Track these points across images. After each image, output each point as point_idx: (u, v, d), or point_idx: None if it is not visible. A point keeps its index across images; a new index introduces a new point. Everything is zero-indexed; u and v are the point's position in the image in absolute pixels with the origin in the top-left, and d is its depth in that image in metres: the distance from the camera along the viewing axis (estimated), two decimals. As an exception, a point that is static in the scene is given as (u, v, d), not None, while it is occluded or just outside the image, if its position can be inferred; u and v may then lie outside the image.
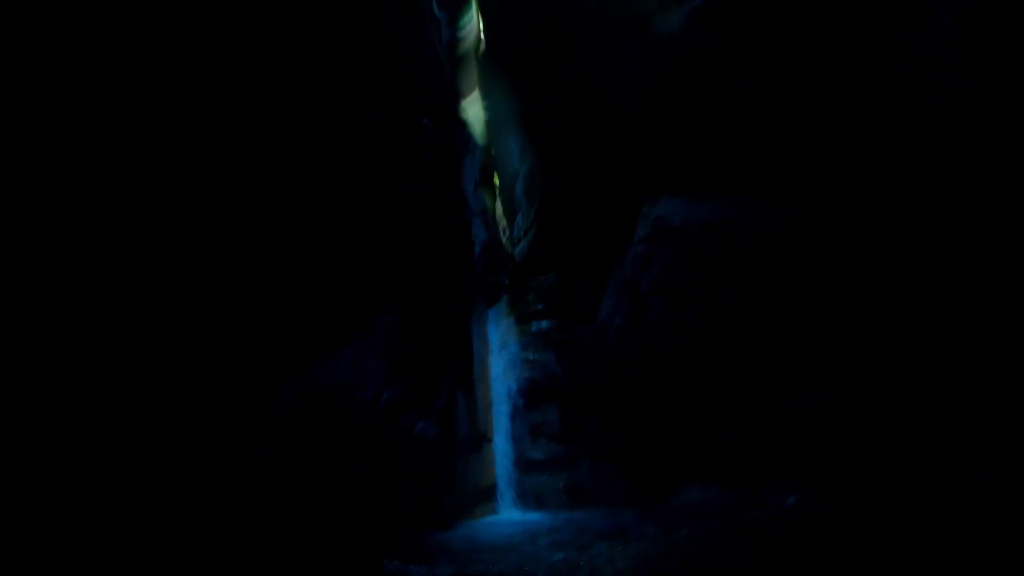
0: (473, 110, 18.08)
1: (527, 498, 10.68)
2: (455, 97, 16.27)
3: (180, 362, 5.49)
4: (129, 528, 4.79)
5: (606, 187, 12.88)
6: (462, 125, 15.67)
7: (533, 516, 9.99)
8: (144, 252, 5.15)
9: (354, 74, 7.39)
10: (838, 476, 7.31)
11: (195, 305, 5.76)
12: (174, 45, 4.99)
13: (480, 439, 11.68)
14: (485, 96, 17.42)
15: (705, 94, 10.52)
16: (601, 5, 12.29)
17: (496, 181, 16.83)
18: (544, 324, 13.22)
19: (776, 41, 9.66)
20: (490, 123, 17.40)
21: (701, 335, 9.83)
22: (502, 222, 16.47)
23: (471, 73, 18.53)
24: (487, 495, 10.83)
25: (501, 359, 13.15)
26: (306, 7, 6.71)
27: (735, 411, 9.05)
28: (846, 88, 8.74)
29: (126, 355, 4.91)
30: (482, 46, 17.03)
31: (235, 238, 5.99)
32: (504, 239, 16.05)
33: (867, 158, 8.32)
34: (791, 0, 9.36)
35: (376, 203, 8.69)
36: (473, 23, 17.41)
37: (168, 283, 5.41)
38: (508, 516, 10.42)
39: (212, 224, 5.65)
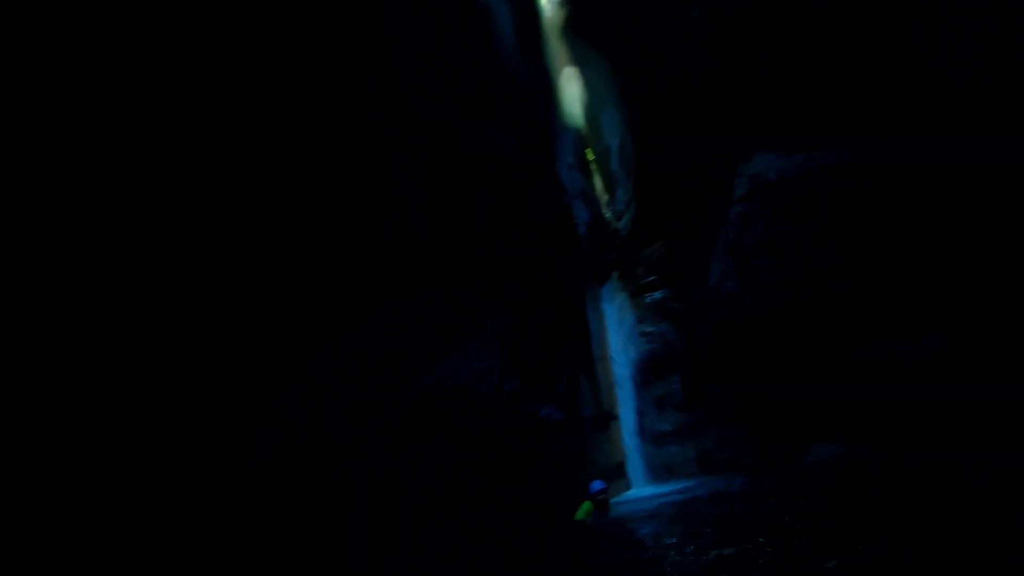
0: (567, 87, 18.08)
1: (658, 470, 10.83)
2: (544, 81, 16.31)
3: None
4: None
5: (700, 147, 12.57)
6: (548, 110, 15.82)
7: (665, 488, 10.08)
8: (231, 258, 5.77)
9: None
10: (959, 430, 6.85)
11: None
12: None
13: (606, 417, 12.02)
14: (578, 70, 17.34)
15: (776, 39, 9.99)
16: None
17: (590, 157, 16.82)
18: (657, 295, 13.20)
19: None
20: (584, 99, 17.39)
21: (810, 290, 9.50)
22: (603, 198, 16.46)
23: (561, 49, 18.42)
24: (618, 471, 11.11)
25: (619, 335, 13.34)
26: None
27: (854, 362, 8.69)
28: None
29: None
30: (563, 20, 16.91)
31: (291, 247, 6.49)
32: (608, 215, 16.06)
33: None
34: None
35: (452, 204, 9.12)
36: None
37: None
38: (641, 491, 10.58)
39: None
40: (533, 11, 16.80)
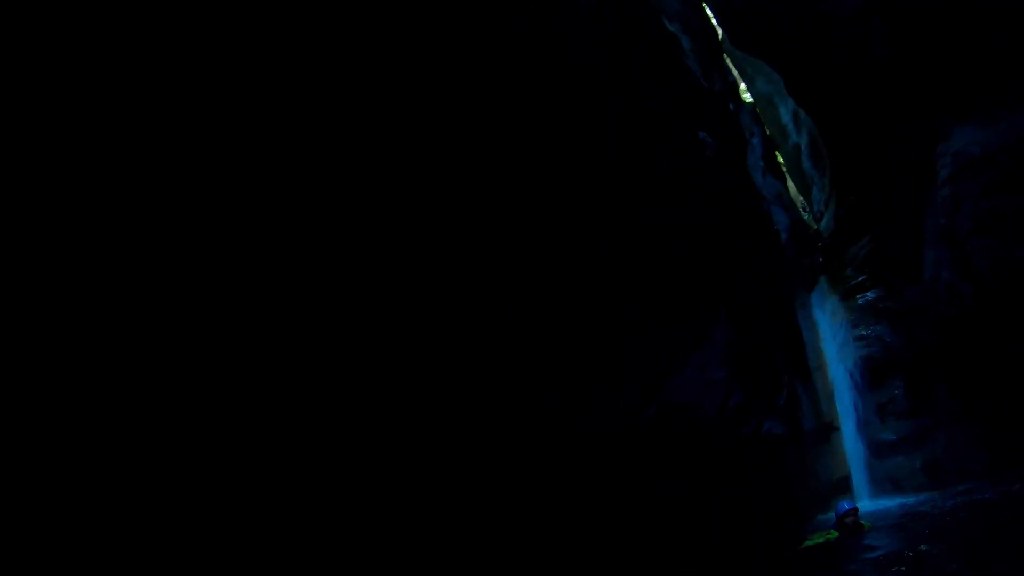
0: (747, 94, 17.76)
1: (883, 483, 10.23)
2: (731, 94, 16.17)
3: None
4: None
5: (893, 129, 11.73)
6: (735, 119, 15.70)
7: (897, 501, 9.38)
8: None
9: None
10: None
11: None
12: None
13: (827, 429, 11.57)
14: (744, 79, 17.06)
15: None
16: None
17: (780, 159, 16.17)
18: (869, 295, 12.45)
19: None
20: (758, 102, 16.92)
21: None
22: (799, 200, 15.70)
23: (736, 60, 18.22)
24: (841, 485, 10.65)
25: (833, 342, 12.79)
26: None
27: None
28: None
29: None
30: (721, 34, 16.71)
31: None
32: (807, 217, 15.29)
33: None
34: None
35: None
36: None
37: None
38: (867, 505, 9.92)
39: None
40: (711, 31, 16.75)
